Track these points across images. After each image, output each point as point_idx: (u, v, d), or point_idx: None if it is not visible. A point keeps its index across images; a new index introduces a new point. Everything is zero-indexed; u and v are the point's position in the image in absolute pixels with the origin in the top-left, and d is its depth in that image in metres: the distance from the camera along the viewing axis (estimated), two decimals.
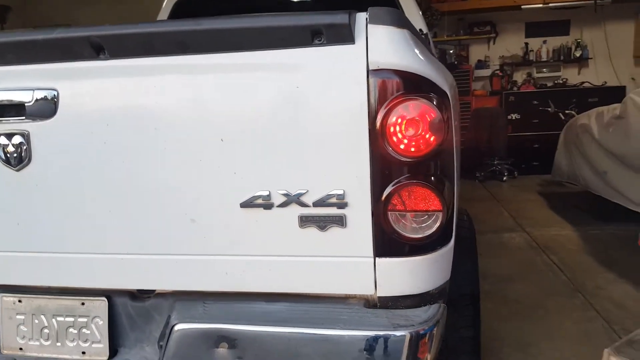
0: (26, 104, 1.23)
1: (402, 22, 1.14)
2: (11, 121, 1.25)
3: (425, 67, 1.14)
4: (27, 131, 1.24)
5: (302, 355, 1.13)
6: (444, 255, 1.21)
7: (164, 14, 3.03)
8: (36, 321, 1.38)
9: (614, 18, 6.97)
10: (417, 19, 2.70)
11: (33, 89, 1.23)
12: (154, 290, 1.35)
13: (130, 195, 1.24)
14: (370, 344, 1.13)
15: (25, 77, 1.24)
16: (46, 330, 1.38)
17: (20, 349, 1.39)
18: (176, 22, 1.18)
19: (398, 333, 1.12)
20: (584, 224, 4.24)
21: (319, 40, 1.12)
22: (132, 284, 1.31)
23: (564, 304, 2.81)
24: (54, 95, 1.22)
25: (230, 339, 1.16)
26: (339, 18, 1.09)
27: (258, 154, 1.17)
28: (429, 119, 1.11)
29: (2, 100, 1.25)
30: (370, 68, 1.11)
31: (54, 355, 1.37)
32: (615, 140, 3.71)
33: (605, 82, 7.08)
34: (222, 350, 1.16)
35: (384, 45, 1.11)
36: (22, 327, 1.39)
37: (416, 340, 1.12)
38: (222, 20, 1.14)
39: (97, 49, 1.18)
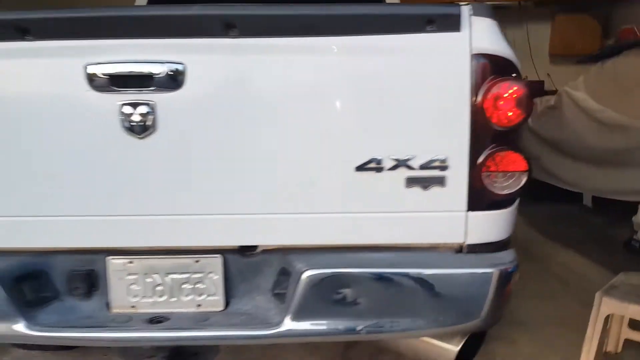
0: (154, 76, 1.31)
1: (493, 15, 1.37)
2: (139, 92, 1.32)
3: (511, 53, 1.38)
4: (153, 101, 1.33)
5: (415, 291, 1.37)
6: (516, 208, 1.48)
7: None
8: (149, 280, 1.49)
9: (534, 18, 7.58)
10: None
11: (162, 62, 1.31)
12: (257, 247, 1.50)
13: (253, 161, 1.38)
14: (468, 279, 1.38)
15: (155, 50, 1.31)
16: (160, 288, 1.49)
17: (133, 306, 1.49)
18: (306, 7, 1.31)
19: (489, 270, 1.39)
20: (522, 205, 4.80)
21: (431, 28, 1.31)
22: (246, 240, 1.45)
23: (524, 269, 3.26)
24: (182, 69, 1.31)
25: (351, 281, 1.37)
26: (451, 10, 1.30)
27: (373, 125, 1.35)
28: (517, 96, 1.35)
29: (131, 72, 1.31)
30: (473, 52, 1.32)
31: (169, 310, 1.49)
32: (549, 128, 4.12)
33: (527, 77, 7.75)
34: (345, 290, 1.36)
35: (484, 34, 1.34)
36: (133, 286, 1.49)
37: (504, 276, 1.39)
38: (349, 7, 1.29)
39: (228, 27, 1.29)
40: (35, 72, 1.34)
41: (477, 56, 1.33)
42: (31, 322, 1.41)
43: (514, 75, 1.37)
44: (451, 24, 1.31)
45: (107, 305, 1.51)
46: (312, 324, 1.39)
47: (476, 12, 1.33)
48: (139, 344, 1.51)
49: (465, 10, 1.33)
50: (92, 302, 1.52)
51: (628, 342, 2.29)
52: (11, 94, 1.36)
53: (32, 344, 2.09)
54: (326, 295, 1.37)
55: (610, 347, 2.30)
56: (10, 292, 1.40)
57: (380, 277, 1.38)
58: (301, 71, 1.34)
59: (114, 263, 1.49)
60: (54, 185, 1.41)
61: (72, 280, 1.50)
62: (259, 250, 1.49)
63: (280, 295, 1.45)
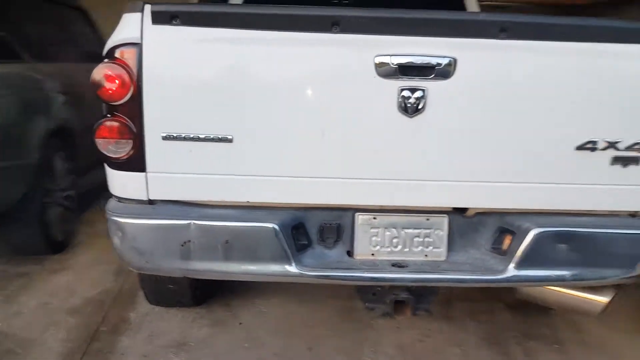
0: (430, 67, 1.61)
1: None
2: (415, 79, 1.62)
3: None
4: (426, 88, 1.62)
5: (607, 247, 1.73)
6: None
7: None
8: (387, 233, 1.81)
9: None
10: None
11: (439, 56, 1.60)
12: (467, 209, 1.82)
13: (494, 140, 1.70)
14: None
15: (434, 46, 1.60)
16: (396, 240, 1.81)
17: (372, 254, 1.81)
18: (569, 19, 1.61)
19: None
20: None
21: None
22: (478, 203, 1.78)
23: None
24: (454, 62, 1.61)
25: (567, 238, 1.72)
26: None
27: (596, 114, 1.69)
28: None
29: (411, 62, 1.60)
30: None
31: (402, 258, 1.81)
32: None
33: None
34: (560, 245, 1.72)
35: None
36: (374, 238, 1.81)
37: None
38: (591, 19, 1.62)
39: (501, 30, 1.59)
40: (336, 58, 1.62)
41: None
42: (299, 264, 1.71)
43: None
44: None
45: (349, 253, 1.82)
46: (530, 273, 1.74)
47: None
48: (382, 284, 1.82)
49: None
50: (336, 250, 1.82)
51: None
52: (315, 75, 1.64)
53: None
54: (544, 249, 1.72)
55: None
56: (287, 240, 1.69)
57: (587, 236, 1.74)
58: (545, 69, 1.65)
59: (361, 218, 1.80)
60: (332, 151, 1.69)
61: (324, 231, 1.80)
62: (474, 212, 1.82)
63: (496, 249, 1.80)
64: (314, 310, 2.64)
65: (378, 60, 1.60)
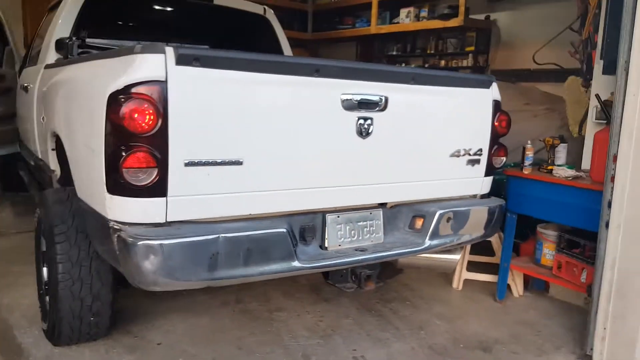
0: (374, 102, 2.28)
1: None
2: (366, 111, 2.26)
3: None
4: (372, 117, 2.29)
5: (466, 219, 2.70)
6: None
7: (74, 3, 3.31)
8: (348, 227, 2.39)
9: None
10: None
11: (378, 95, 2.29)
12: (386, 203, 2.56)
13: (406, 152, 2.47)
14: (482, 211, 2.80)
15: (375, 88, 2.28)
16: (353, 232, 2.40)
17: (339, 245, 2.35)
18: (438, 71, 2.47)
19: (491, 204, 2.84)
20: None
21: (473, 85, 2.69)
22: (395, 198, 2.51)
23: None
24: (386, 99, 2.32)
25: (453, 215, 2.60)
26: (485, 77, 2.71)
27: (458, 132, 2.63)
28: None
29: (364, 100, 2.24)
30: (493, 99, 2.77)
31: (359, 245, 2.40)
32: None
33: None
34: (452, 220, 2.59)
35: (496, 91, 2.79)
36: (339, 232, 2.35)
37: (494, 209, 2.86)
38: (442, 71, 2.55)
39: (411, 79, 2.38)
40: (314, 95, 2.13)
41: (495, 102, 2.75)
42: (298, 260, 2.13)
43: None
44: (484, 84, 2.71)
45: (321, 247, 2.32)
46: (438, 242, 2.55)
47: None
48: (354, 265, 2.34)
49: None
50: (312, 246, 2.30)
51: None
52: (297, 107, 2.10)
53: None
54: (442, 225, 2.55)
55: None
56: (292, 241, 2.09)
57: (461, 213, 2.65)
58: (431, 103, 2.51)
59: (330, 217, 2.32)
60: (306, 168, 2.17)
61: (305, 232, 2.25)
62: (392, 204, 2.55)
63: (412, 229, 2.55)
64: (215, 318, 2.97)
65: (343, 97, 2.19)
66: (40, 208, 2.64)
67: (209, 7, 3.94)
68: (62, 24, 3.30)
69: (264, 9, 4.19)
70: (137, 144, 1.78)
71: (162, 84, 1.78)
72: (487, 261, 3.67)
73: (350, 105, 2.21)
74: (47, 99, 2.94)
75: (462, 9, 5.61)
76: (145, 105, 1.76)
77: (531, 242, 3.57)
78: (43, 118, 3.02)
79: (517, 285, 3.59)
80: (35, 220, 2.73)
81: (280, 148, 2.08)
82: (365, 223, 2.45)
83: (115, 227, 1.86)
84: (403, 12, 6.57)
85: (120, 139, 1.79)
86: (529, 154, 3.37)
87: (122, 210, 1.86)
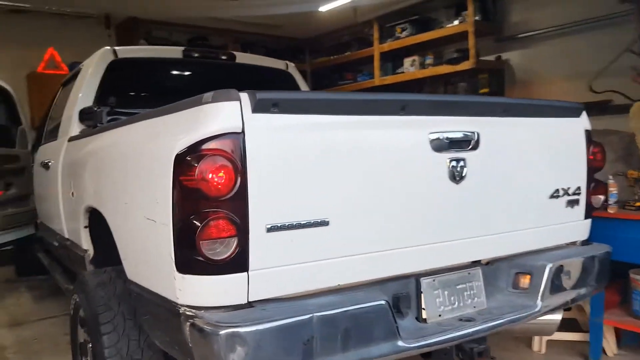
0: (465, 140, 2.06)
1: None
2: (458, 151, 2.03)
3: None
4: (464, 158, 2.05)
5: (585, 270, 2.39)
6: None
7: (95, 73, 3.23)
8: (446, 292, 2.08)
9: None
10: None
11: (469, 132, 2.07)
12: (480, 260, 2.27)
13: (504, 195, 2.21)
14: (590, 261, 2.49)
15: (464, 124, 2.06)
16: (453, 297, 2.09)
17: (439, 315, 2.04)
18: (533, 100, 2.27)
19: (601, 251, 2.53)
20: None
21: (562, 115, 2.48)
22: (492, 253, 2.22)
23: None
24: (478, 135, 2.09)
25: (564, 267, 2.29)
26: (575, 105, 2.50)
27: (555, 170, 2.39)
28: None
29: (454, 138, 2.02)
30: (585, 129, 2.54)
31: (460, 313, 2.09)
32: None
33: None
34: (563, 274, 2.28)
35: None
36: (438, 299, 2.05)
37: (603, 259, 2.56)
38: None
39: (502, 111, 2.16)
40: (401, 137, 1.91)
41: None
42: (402, 338, 1.81)
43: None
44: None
45: (418, 319, 2.00)
46: (552, 301, 2.23)
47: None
48: (464, 340, 2.01)
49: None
50: (408, 318, 1.99)
51: None
52: (383, 153, 1.87)
53: None
54: (554, 281, 2.25)
55: None
56: (392, 315, 1.80)
57: (567, 265, 2.34)
58: (521, 139, 2.28)
59: (426, 282, 2.02)
60: (396, 223, 1.91)
61: (399, 301, 1.95)
62: (486, 261, 2.25)
63: (517, 288, 2.24)
64: None
65: (432, 136, 1.97)
66: (78, 293, 2.38)
67: (231, 66, 3.88)
68: (83, 94, 3.19)
69: (286, 64, 4.15)
70: (214, 209, 1.53)
71: (239, 136, 1.57)
72: (569, 317, 3.33)
73: (440, 146, 1.98)
74: (78, 172, 2.75)
75: (472, 52, 5.81)
76: (221, 163, 1.53)
77: (613, 290, 3.23)
78: (72, 193, 2.81)
79: (609, 342, 3.22)
80: (72, 307, 2.46)
81: (367, 201, 1.82)
82: (464, 286, 2.14)
83: (188, 313, 1.58)
84: (407, 61, 6.81)
85: (193, 205, 1.55)
86: (613, 190, 3.13)
87: (196, 292, 1.58)
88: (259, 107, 1.60)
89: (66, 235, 3.13)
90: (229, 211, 1.55)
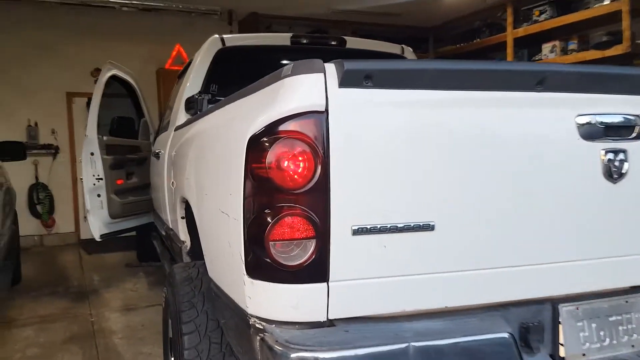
0: (627, 126, 1.56)
1: None
2: (616, 141, 1.54)
3: None
4: (625, 149, 1.55)
5: None
6: None
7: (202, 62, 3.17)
8: (593, 325, 1.60)
9: None
10: None
11: (631, 115, 1.56)
12: None
13: None
14: None
15: (624, 105, 1.56)
16: (602, 332, 1.60)
17: (583, 354, 1.57)
18: None
19: None
20: None
21: None
22: None
23: None
24: None
25: None
26: None
27: None
28: None
29: (612, 123, 1.53)
30: None
31: (612, 354, 1.59)
32: None
33: None
34: None
35: None
36: (582, 333, 1.58)
37: None
38: None
39: None
40: (536, 120, 1.48)
41: None
42: None
43: None
44: None
45: (553, 357, 1.55)
46: None
47: None
48: None
49: None
50: (541, 355, 1.54)
51: None
52: (511, 140, 1.46)
53: None
54: None
55: None
56: (518, 352, 1.39)
57: None
58: None
59: (566, 310, 1.57)
60: (526, 231, 1.49)
61: (528, 332, 1.52)
62: None
63: None
64: None
65: (581, 120, 1.51)
66: (167, 286, 2.30)
67: (342, 52, 3.62)
68: (190, 85, 3.19)
69: (402, 48, 3.77)
70: (289, 204, 1.27)
71: (321, 117, 1.29)
72: None
73: (591, 133, 1.51)
74: (176, 162, 2.70)
75: (626, 34, 5.08)
76: (299, 149, 1.27)
77: None
78: (173, 183, 2.77)
79: None
80: (163, 300, 2.40)
81: (488, 202, 1.44)
82: (620, 317, 1.64)
83: (258, 325, 1.34)
84: (546, 47, 6.17)
85: (263, 197, 1.30)
86: None
87: (266, 302, 1.33)
88: (347, 80, 1.31)
89: (170, 225, 3.14)
90: (306, 207, 1.27)
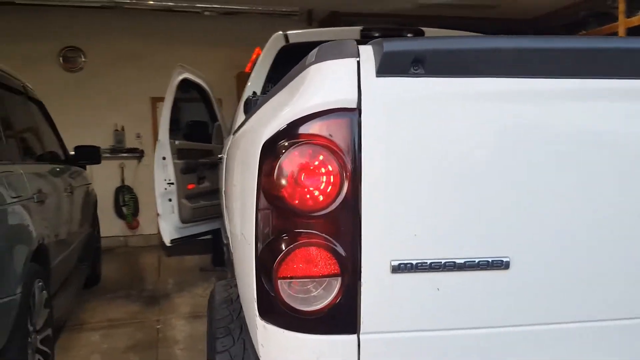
0: None
1: None
2: None
3: None
4: None
5: None
6: None
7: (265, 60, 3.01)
8: None
9: None
10: None
11: None
12: None
13: None
14: None
15: None
16: None
17: None
18: None
19: None
20: None
21: None
22: None
23: None
24: None
25: None
26: None
27: None
28: None
29: None
30: None
31: None
32: None
33: None
34: None
35: None
36: None
37: None
38: None
39: None
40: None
41: None
42: None
43: None
44: None
45: None
46: None
47: None
48: None
49: None
50: None
51: None
52: (617, 144, 1.06)
53: None
54: None
55: None
56: None
57: None
58: None
59: None
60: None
61: None
62: None
63: None
64: None
65: None
66: (209, 307, 2.10)
67: None
68: (251, 85, 3.07)
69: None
70: (306, 229, 0.98)
71: (351, 116, 0.98)
72: None
73: None
74: (224, 169, 2.53)
75: None
76: (321, 158, 0.97)
77: None
78: (224, 190, 2.60)
79: None
80: (207, 320, 2.21)
81: (587, 230, 1.05)
82: None
83: None
84: None
85: (275, 221, 1.02)
86: None
87: (280, 354, 1.05)
88: (388, 66, 0.98)
89: (228, 233, 2.98)
90: (329, 235, 0.97)
